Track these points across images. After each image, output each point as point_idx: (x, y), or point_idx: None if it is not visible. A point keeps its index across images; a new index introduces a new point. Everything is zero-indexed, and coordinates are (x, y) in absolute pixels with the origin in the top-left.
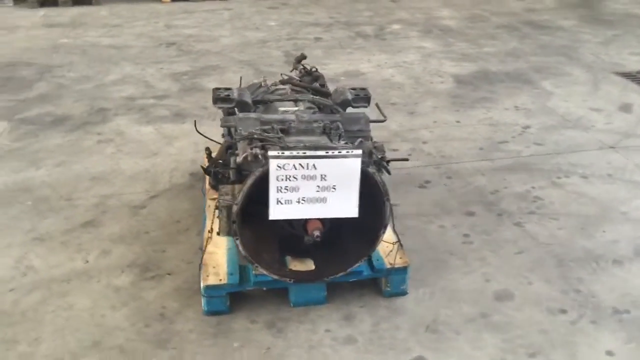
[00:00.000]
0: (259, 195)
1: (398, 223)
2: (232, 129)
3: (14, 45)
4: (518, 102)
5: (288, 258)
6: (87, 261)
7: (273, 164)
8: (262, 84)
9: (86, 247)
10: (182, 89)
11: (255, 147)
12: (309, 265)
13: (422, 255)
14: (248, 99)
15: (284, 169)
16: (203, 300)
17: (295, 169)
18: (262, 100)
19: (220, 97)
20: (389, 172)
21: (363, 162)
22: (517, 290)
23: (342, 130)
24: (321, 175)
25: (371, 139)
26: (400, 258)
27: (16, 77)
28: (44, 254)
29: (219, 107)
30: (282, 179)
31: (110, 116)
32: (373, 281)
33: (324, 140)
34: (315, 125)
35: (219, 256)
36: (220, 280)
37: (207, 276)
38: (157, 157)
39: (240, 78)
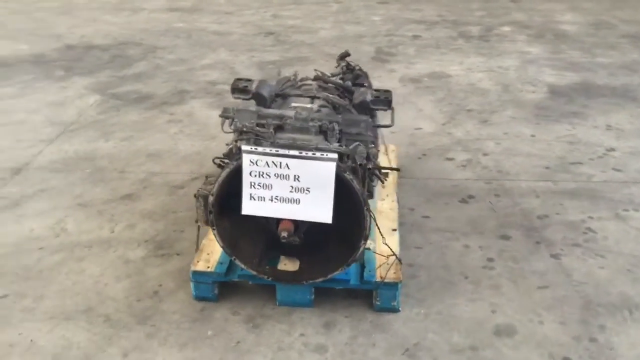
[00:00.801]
0: (240, 188)
1: (421, 236)
2: (230, 121)
3: (133, 26)
4: (612, 120)
5: (282, 257)
6: (113, 231)
7: (246, 159)
8: (292, 78)
9: (117, 218)
10: (264, 78)
11: (243, 139)
12: (297, 265)
13: (432, 273)
14: (266, 92)
15: (256, 165)
16: (191, 285)
17: (269, 166)
18: (282, 95)
19: (238, 88)
20: (382, 181)
21: (340, 167)
22: (522, 328)
23: (337, 131)
24: (295, 175)
25: (371, 144)
26: (394, 273)
27: (123, 56)
28: (80, 219)
29: (236, 98)
30: (255, 175)
31: (187, 98)
32: (368, 293)
33: (317, 140)
34: (311, 124)
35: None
36: (209, 267)
37: (198, 262)
38: (214, 141)
39: (296, 73)
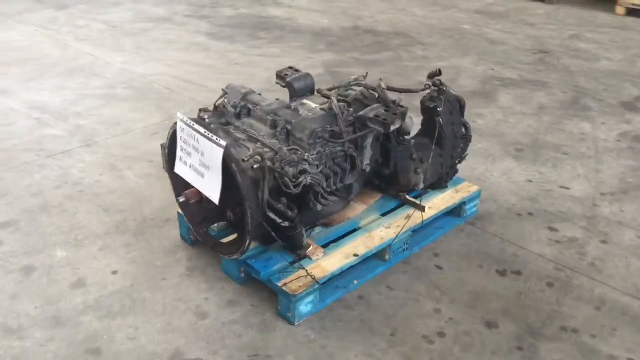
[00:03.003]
0: None
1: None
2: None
3: (424, 20)
4: None
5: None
6: None
7: (178, 125)
8: (355, 78)
9: None
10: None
11: (209, 111)
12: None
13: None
14: (297, 84)
15: (183, 132)
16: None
17: (189, 136)
18: (316, 90)
19: (280, 75)
20: (287, 187)
21: (230, 156)
22: None
23: (282, 129)
24: (201, 151)
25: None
26: (299, 286)
27: (383, 43)
28: None
29: (276, 82)
30: (183, 141)
31: None
32: None
33: (265, 132)
34: (269, 117)
35: None
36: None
37: None
38: None
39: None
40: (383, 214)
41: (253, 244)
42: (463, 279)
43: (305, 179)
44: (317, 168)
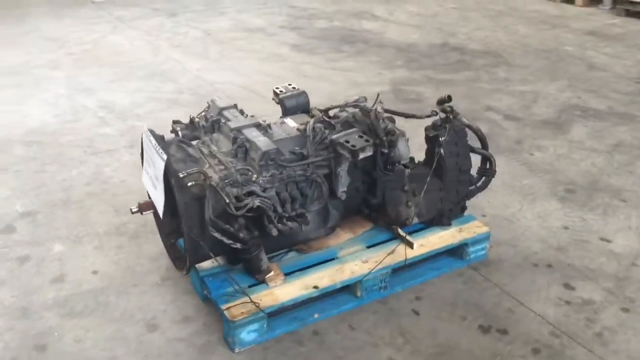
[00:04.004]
0: None
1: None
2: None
3: (523, 39)
4: None
5: None
6: None
7: (144, 137)
8: (359, 99)
9: None
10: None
11: (182, 124)
12: None
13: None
14: (288, 103)
15: (146, 143)
16: None
17: (148, 147)
18: (306, 110)
19: (275, 92)
20: (230, 208)
21: (170, 170)
22: None
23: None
24: (153, 163)
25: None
26: (241, 312)
27: (467, 62)
28: None
29: (273, 99)
30: (147, 152)
31: None
32: None
33: (227, 149)
34: (232, 134)
35: None
36: None
37: None
38: None
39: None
40: (369, 246)
41: (221, 261)
42: (437, 329)
43: (253, 202)
44: (269, 191)
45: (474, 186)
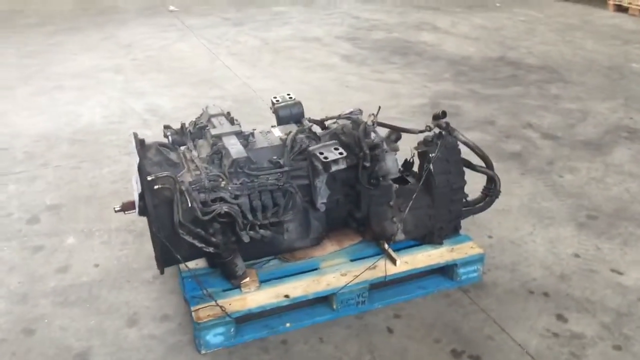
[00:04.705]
0: None
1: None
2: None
3: (589, 55)
4: None
5: None
6: None
7: (133, 140)
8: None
9: None
10: None
11: (172, 129)
12: None
13: None
14: (281, 112)
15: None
16: None
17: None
18: (297, 121)
19: (272, 101)
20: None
21: (140, 172)
22: None
23: (217, 156)
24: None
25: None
26: (207, 314)
27: (519, 77)
28: None
29: (270, 108)
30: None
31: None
32: None
33: (207, 154)
34: (211, 140)
35: None
36: None
37: None
38: None
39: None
40: (353, 260)
41: (202, 264)
42: (407, 349)
43: (221, 208)
44: (241, 198)
45: (476, 205)
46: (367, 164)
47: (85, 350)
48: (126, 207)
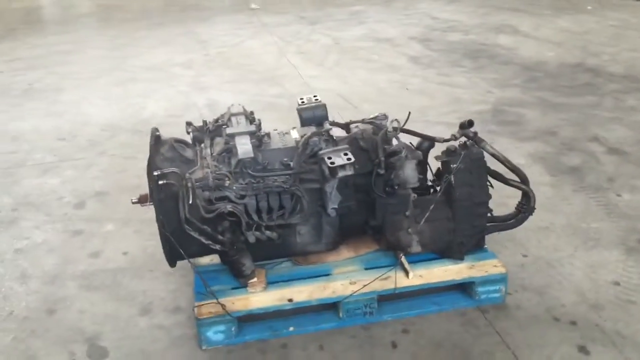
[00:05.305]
0: None
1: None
2: None
3: None
4: None
5: None
6: None
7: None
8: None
9: None
10: None
11: (194, 126)
12: None
13: None
14: (304, 114)
15: None
16: None
17: None
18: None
19: (298, 102)
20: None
21: (149, 166)
22: None
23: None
24: None
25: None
26: (211, 312)
27: (592, 85)
28: None
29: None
30: None
31: None
32: None
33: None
34: (224, 139)
35: None
36: None
37: None
38: None
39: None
40: (367, 268)
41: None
42: None
43: (225, 207)
44: (248, 199)
45: (507, 221)
46: (382, 171)
47: (97, 335)
48: (142, 199)
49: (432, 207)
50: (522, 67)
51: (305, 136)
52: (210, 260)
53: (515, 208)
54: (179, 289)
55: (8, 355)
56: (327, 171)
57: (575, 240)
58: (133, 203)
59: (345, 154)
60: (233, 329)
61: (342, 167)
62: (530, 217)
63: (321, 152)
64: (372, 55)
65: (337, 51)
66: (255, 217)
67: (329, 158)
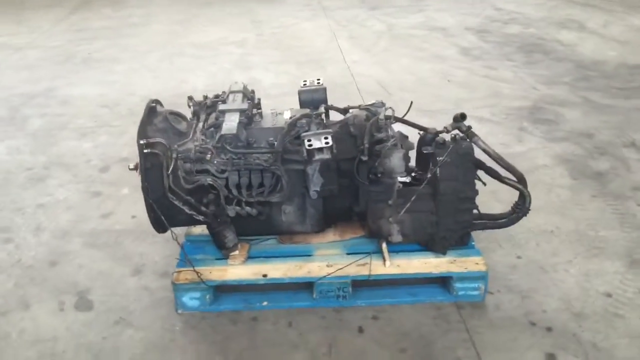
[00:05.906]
0: None
1: None
2: None
3: None
4: None
5: None
6: None
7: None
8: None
9: None
10: None
11: (192, 100)
12: None
13: None
14: (303, 96)
15: None
16: None
17: None
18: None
19: (302, 84)
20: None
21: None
22: None
23: (212, 130)
24: None
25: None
26: (188, 278)
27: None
28: None
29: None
30: None
31: None
32: None
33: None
34: (216, 118)
35: None
36: None
37: None
38: None
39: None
40: (349, 253)
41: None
42: (367, 353)
43: (205, 180)
44: (230, 174)
45: (499, 220)
46: (365, 158)
47: (87, 289)
48: (137, 167)
49: (413, 198)
50: (576, 65)
51: (293, 118)
52: (201, 230)
53: (511, 208)
54: (173, 255)
55: (6, 299)
56: (304, 153)
57: (577, 247)
58: (130, 170)
59: (325, 138)
60: (207, 297)
61: (320, 150)
62: (535, 219)
63: (304, 134)
64: (422, 44)
65: (388, 38)
66: (234, 192)
67: (309, 140)
